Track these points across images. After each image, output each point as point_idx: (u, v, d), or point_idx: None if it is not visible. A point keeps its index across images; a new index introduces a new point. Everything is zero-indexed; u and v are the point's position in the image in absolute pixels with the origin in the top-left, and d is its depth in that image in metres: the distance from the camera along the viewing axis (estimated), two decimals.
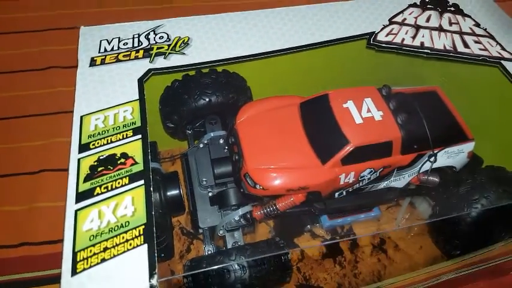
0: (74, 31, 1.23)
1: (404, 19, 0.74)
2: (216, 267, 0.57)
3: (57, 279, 0.80)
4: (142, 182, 0.50)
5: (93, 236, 0.46)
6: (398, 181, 0.70)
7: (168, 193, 0.69)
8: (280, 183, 0.62)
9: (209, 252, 0.69)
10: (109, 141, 0.54)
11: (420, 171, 0.68)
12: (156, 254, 0.45)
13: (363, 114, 0.64)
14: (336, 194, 0.68)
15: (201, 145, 0.74)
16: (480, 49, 0.70)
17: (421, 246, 0.82)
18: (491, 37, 0.72)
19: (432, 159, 0.66)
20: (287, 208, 0.68)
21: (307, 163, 0.63)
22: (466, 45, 0.71)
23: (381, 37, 0.71)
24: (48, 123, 1.06)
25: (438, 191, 0.71)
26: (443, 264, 0.75)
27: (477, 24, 0.74)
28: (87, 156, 0.52)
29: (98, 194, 0.49)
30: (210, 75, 0.72)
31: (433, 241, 0.75)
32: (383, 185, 0.70)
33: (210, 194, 0.72)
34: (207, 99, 0.71)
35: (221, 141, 0.73)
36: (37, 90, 1.12)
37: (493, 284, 0.85)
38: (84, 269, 0.43)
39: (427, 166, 0.67)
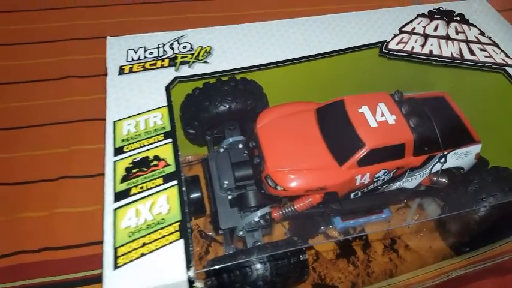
0: (91, 41, 1.28)
1: (414, 28, 0.78)
2: (240, 261, 0.60)
3: (78, 283, 0.84)
4: (175, 182, 0.53)
5: (132, 232, 0.49)
6: (410, 182, 0.73)
7: (190, 195, 0.72)
8: (300, 184, 0.66)
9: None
10: (141, 145, 0.57)
11: (431, 172, 0.71)
12: (191, 248, 0.48)
13: (377, 118, 0.68)
14: (352, 195, 0.71)
15: (221, 150, 0.77)
16: (485, 56, 0.74)
17: (431, 246, 0.85)
18: (496, 45, 0.76)
19: (442, 160, 0.70)
20: (304, 209, 0.71)
21: (325, 165, 0.67)
22: (472, 53, 0.75)
23: (392, 45, 0.75)
24: (67, 131, 1.09)
25: (447, 191, 0.75)
26: (452, 261, 0.79)
27: (482, 33, 0.78)
28: (122, 159, 0.56)
29: (134, 194, 0.52)
30: (229, 82, 0.76)
31: (442, 239, 0.79)
32: (396, 185, 0.73)
33: (230, 197, 0.75)
34: (227, 106, 0.75)
35: (240, 146, 0.77)
36: (55, 99, 1.15)
37: (499, 282, 0.88)
38: (125, 263, 0.46)
39: (438, 167, 0.71)
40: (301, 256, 0.69)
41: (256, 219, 0.72)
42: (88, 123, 1.11)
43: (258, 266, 0.65)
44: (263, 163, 0.67)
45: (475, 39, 0.77)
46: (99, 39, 1.28)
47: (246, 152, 0.75)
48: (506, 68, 0.72)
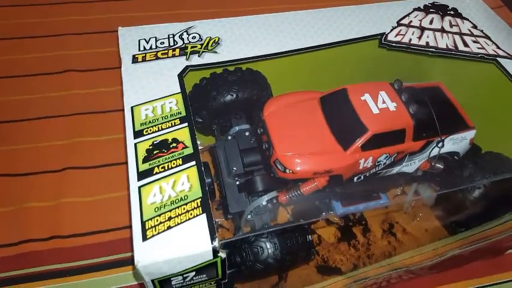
0: (88, 36, 1.30)
1: (411, 21, 0.82)
2: (254, 233, 0.63)
3: (86, 269, 0.86)
4: (194, 163, 0.56)
5: (158, 207, 0.51)
6: (409, 166, 0.77)
7: None
8: (307, 167, 0.69)
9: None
10: (160, 129, 0.60)
11: (429, 156, 0.76)
12: (214, 222, 0.51)
13: (379, 106, 0.72)
14: (355, 179, 0.75)
15: (229, 137, 0.80)
16: (478, 48, 0.79)
17: (427, 229, 0.90)
18: (487, 37, 0.80)
19: (440, 144, 0.74)
20: (310, 192, 0.74)
21: (331, 149, 0.70)
22: (465, 45, 0.79)
23: (391, 37, 0.79)
24: (68, 124, 1.11)
25: (443, 176, 0.79)
26: (448, 241, 0.83)
27: (474, 26, 0.82)
28: (143, 141, 0.58)
29: (156, 173, 0.55)
30: (236, 73, 0.79)
31: (438, 220, 0.83)
32: (396, 170, 0.77)
33: (238, 183, 0.78)
34: (234, 95, 0.78)
35: (247, 133, 0.80)
36: (55, 92, 1.17)
37: (490, 264, 0.94)
38: (153, 235, 0.49)
39: (436, 151, 0.75)
40: (308, 237, 0.73)
41: (264, 203, 0.75)
42: (88, 116, 1.13)
43: (269, 245, 0.68)
44: (272, 148, 0.71)
45: (468, 32, 0.81)
46: (97, 34, 1.31)
47: (253, 139, 0.78)
48: (497, 58, 0.77)
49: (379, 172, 0.76)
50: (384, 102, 0.72)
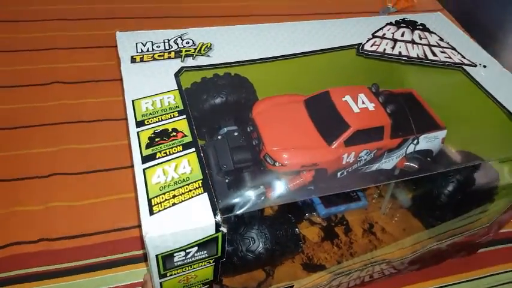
0: (73, 51, 1.33)
1: (384, 34, 0.90)
2: (260, 207, 0.69)
3: (73, 271, 0.87)
4: (193, 149, 0.60)
5: (162, 187, 0.55)
6: (388, 163, 0.83)
7: None
8: (296, 160, 0.74)
9: None
10: (160, 119, 0.64)
11: (406, 153, 0.82)
12: (216, 200, 0.55)
13: (359, 106, 0.78)
14: (338, 174, 0.80)
15: (219, 137, 0.84)
16: (445, 57, 0.87)
17: (404, 229, 0.95)
18: (453, 48, 0.89)
19: (415, 141, 0.81)
20: (297, 187, 0.79)
21: (317, 144, 0.76)
22: (434, 54, 0.87)
23: (367, 47, 0.87)
24: (55, 132, 1.13)
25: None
26: (424, 236, 0.89)
27: (441, 39, 0.91)
28: (144, 130, 0.62)
29: (159, 157, 0.58)
30: (225, 78, 0.84)
31: (415, 216, 0.89)
32: (375, 166, 0.83)
33: (227, 180, 0.82)
34: (224, 98, 0.83)
35: (235, 133, 0.84)
36: (43, 102, 1.19)
37: (461, 261, 1.00)
38: (160, 211, 0.52)
39: (411, 148, 0.82)
40: (295, 230, 0.77)
41: (253, 198, 0.79)
42: (74, 125, 1.16)
43: (259, 236, 0.72)
44: (261, 144, 0.75)
45: (436, 44, 0.90)
46: (83, 49, 1.35)
47: (242, 138, 0.83)
48: (463, 66, 0.85)
49: (360, 168, 0.82)
50: (363, 103, 0.79)
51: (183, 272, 0.58)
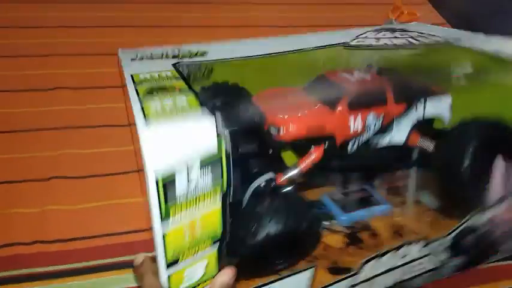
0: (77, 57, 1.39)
1: (367, 36, 0.96)
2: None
3: (69, 273, 0.83)
4: (191, 92, 0.61)
5: (160, 112, 0.54)
6: (399, 133, 0.80)
7: None
8: (301, 123, 0.72)
9: None
10: (157, 80, 0.65)
11: (417, 119, 0.80)
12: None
13: (356, 76, 0.79)
14: (349, 148, 0.77)
15: None
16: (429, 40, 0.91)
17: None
18: (436, 36, 0.94)
19: (424, 104, 0.79)
20: (308, 167, 0.75)
21: (320, 110, 0.75)
22: (418, 41, 0.92)
23: (353, 43, 0.92)
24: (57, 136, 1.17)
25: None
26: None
27: (422, 33, 0.97)
28: (142, 87, 0.63)
29: (156, 96, 0.59)
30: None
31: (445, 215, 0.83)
32: (387, 139, 0.80)
33: None
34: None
35: None
36: (46, 107, 1.24)
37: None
38: (158, 127, 0.51)
39: (420, 113, 0.80)
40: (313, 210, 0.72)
41: (263, 183, 0.74)
42: (74, 130, 1.19)
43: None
44: (264, 118, 0.74)
45: (418, 34, 0.95)
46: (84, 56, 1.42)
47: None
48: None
49: (371, 142, 0.79)
50: (359, 75, 0.80)
51: (187, 209, 0.52)
